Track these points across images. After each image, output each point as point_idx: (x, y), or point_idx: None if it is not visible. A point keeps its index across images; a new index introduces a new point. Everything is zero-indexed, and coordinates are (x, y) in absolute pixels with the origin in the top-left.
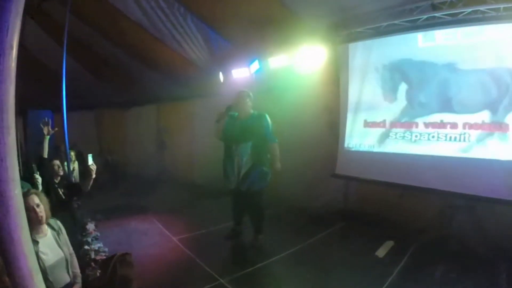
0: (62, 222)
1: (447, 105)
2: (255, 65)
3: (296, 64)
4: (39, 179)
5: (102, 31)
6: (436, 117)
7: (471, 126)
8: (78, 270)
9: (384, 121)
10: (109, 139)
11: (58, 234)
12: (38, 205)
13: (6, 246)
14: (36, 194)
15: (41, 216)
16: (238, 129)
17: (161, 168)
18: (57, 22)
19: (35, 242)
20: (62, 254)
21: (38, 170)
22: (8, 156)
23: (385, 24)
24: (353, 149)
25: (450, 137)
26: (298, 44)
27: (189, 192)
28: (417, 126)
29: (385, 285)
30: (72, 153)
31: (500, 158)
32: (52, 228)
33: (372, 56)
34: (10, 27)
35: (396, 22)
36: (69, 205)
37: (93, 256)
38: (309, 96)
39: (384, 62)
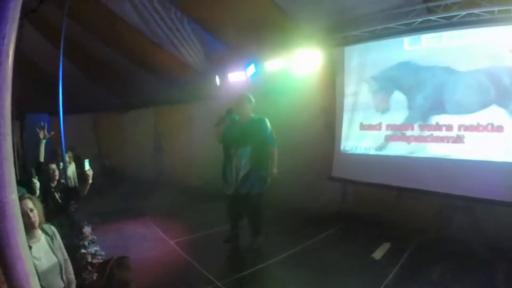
0: (59, 225)
1: (443, 107)
2: (251, 69)
3: (292, 67)
4: (37, 184)
5: (99, 35)
6: (432, 120)
7: (466, 128)
8: (72, 276)
9: (380, 123)
10: (107, 142)
11: (52, 239)
12: (31, 210)
13: (3, 250)
14: (30, 198)
15: (34, 221)
16: (237, 132)
17: (158, 171)
18: (55, 25)
19: (28, 247)
20: (56, 260)
21: (36, 174)
22: (5, 162)
23: (380, 27)
24: (349, 152)
25: (445, 139)
26: (294, 48)
27: (187, 195)
28: (412, 129)
29: (382, 287)
30: (69, 155)
31: (495, 159)
32: (46, 233)
33: (363, 67)
34: (7, 36)
35: (391, 25)
36: (66, 209)
37: (89, 259)
38: (306, 99)
39: (373, 74)
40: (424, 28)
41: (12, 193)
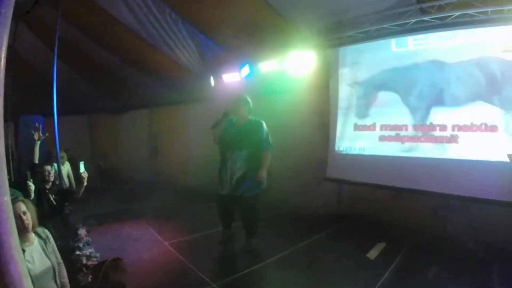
0: (53, 227)
1: (438, 101)
2: (246, 70)
3: (287, 68)
4: (32, 187)
5: (94, 36)
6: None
7: (460, 128)
8: (66, 280)
9: (374, 124)
10: (102, 144)
11: (45, 243)
12: (24, 213)
13: None
14: (24, 201)
15: (28, 224)
16: (234, 135)
17: (153, 172)
18: (49, 27)
19: (21, 251)
20: (49, 263)
21: (31, 177)
22: None
23: (374, 28)
24: (343, 152)
25: (440, 139)
26: (288, 49)
27: (182, 197)
28: (406, 129)
29: (377, 287)
30: (62, 155)
31: (490, 159)
32: (39, 236)
33: (357, 68)
34: None
35: (385, 26)
36: (61, 211)
37: (84, 261)
38: (300, 100)
39: (359, 80)
40: (418, 29)
41: (5, 195)
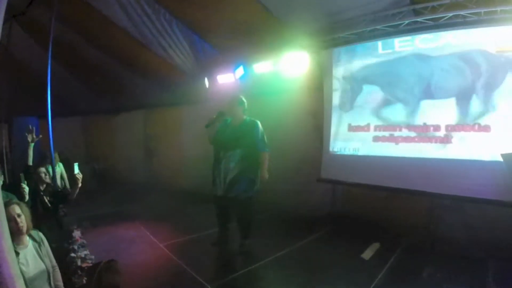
0: (48, 229)
1: (426, 93)
2: (240, 71)
3: (281, 69)
4: (26, 189)
5: (88, 37)
6: (419, 117)
7: (454, 127)
8: (61, 283)
9: (368, 124)
10: (96, 145)
11: (39, 246)
12: (19, 215)
13: None
14: (18, 204)
15: (22, 227)
16: (228, 135)
17: (148, 174)
18: (44, 28)
19: (16, 253)
20: (43, 266)
21: (25, 179)
22: None
23: (368, 29)
24: (338, 153)
25: (433, 139)
26: (282, 50)
27: (177, 199)
28: (400, 129)
29: (372, 286)
30: (56, 156)
31: (484, 158)
32: (34, 239)
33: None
34: None
35: (379, 27)
36: (55, 213)
37: (79, 263)
38: (294, 101)
39: (345, 73)
40: (411, 30)
41: None
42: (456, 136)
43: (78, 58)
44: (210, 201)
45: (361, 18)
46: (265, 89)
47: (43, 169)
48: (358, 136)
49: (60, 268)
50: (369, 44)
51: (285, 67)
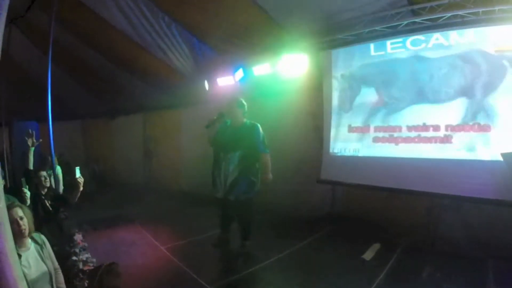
0: (49, 233)
1: (422, 96)
2: (240, 73)
3: (280, 71)
4: (28, 193)
5: (87, 40)
6: (417, 116)
7: (453, 128)
8: (63, 285)
9: (368, 125)
10: (96, 148)
11: (41, 248)
12: (21, 218)
13: None
14: (20, 207)
15: (24, 229)
16: (228, 137)
17: (148, 177)
18: (43, 31)
19: (18, 256)
20: (46, 269)
21: (26, 183)
22: None
23: (366, 30)
24: (338, 154)
25: (433, 139)
26: (281, 52)
27: (176, 200)
28: (400, 130)
29: (373, 287)
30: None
31: (483, 158)
32: (36, 242)
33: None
34: None
35: (377, 28)
36: (56, 217)
37: (81, 266)
38: (294, 103)
39: (344, 74)
40: (410, 31)
41: (0, 201)
42: (456, 136)
43: (77, 61)
44: (210, 203)
45: (359, 19)
46: (265, 91)
47: (43, 173)
48: (358, 137)
49: (62, 271)
50: (367, 45)
51: (284, 69)
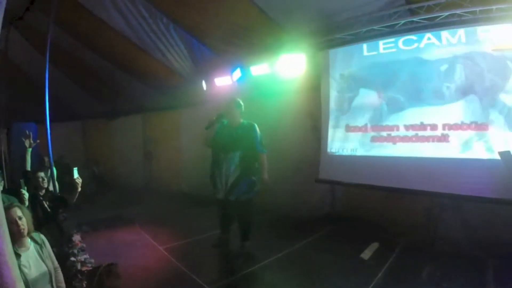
0: (48, 234)
1: (420, 98)
2: (238, 73)
3: (278, 71)
4: (26, 195)
5: (86, 41)
6: (415, 117)
7: (451, 127)
8: (63, 285)
9: (366, 125)
10: (96, 149)
11: (41, 248)
12: (20, 218)
13: None
14: (19, 207)
15: (23, 229)
16: (227, 137)
17: (147, 177)
18: (41, 32)
19: (17, 255)
20: (45, 268)
21: (25, 184)
22: None
23: (364, 29)
24: (336, 154)
25: (431, 138)
26: (279, 52)
27: (176, 201)
28: (398, 129)
29: (371, 286)
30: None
31: (481, 157)
32: (35, 242)
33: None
34: None
35: (375, 27)
36: (55, 217)
37: (79, 267)
38: (292, 102)
39: (342, 72)
40: (407, 30)
41: None
42: (453, 135)
43: (76, 62)
44: (210, 203)
45: (357, 19)
46: (263, 91)
47: (41, 174)
48: (356, 137)
49: None
50: (366, 44)
51: (282, 69)
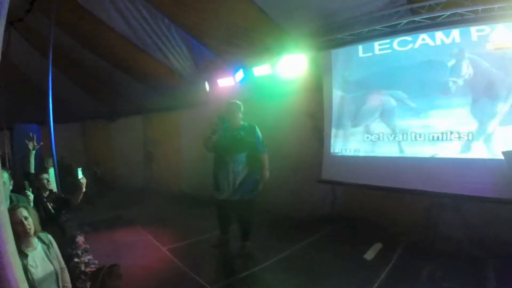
0: (51, 235)
1: (424, 97)
2: (240, 74)
3: (280, 72)
4: (31, 196)
5: (86, 43)
6: (419, 117)
7: (453, 126)
8: (69, 285)
9: (368, 125)
10: (96, 150)
11: (48, 248)
12: (26, 218)
13: None
14: (25, 207)
15: (29, 229)
16: (231, 139)
17: (147, 178)
18: (42, 34)
19: (24, 255)
20: (52, 268)
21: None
22: None
23: (366, 29)
24: (338, 154)
25: (433, 137)
26: (281, 52)
27: (177, 202)
28: (400, 129)
29: (372, 286)
30: (50, 160)
31: (483, 157)
32: (43, 242)
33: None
34: None
35: (376, 27)
36: (58, 219)
37: (83, 268)
38: (294, 103)
39: (344, 72)
40: (409, 30)
41: (1, 204)
42: (455, 134)
43: (77, 63)
44: (210, 204)
45: (359, 19)
46: (264, 91)
47: (46, 176)
48: (359, 137)
49: None
50: (367, 44)
51: (284, 70)
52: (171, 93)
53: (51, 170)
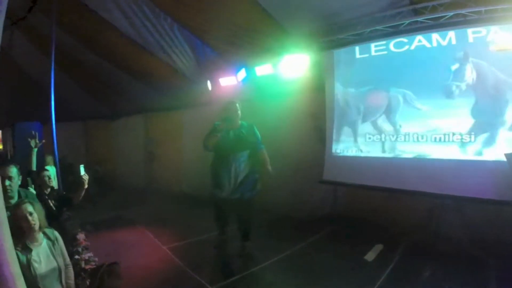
0: None
1: (428, 98)
2: (242, 74)
3: (282, 71)
4: (34, 193)
5: (89, 42)
6: (421, 118)
7: (456, 127)
8: (72, 281)
9: (370, 125)
10: (98, 150)
11: (53, 244)
12: (31, 214)
13: None
14: (30, 203)
15: (34, 224)
16: (232, 138)
17: (149, 178)
18: (44, 33)
19: (29, 250)
20: (56, 264)
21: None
22: None
23: (368, 30)
24: (340, 155)
25: (435, 138)
26: (283, 52)
27: (178, 202)
28: (402, 130)
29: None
30: (49, 159)
31: (486, 158)
32: (48, 238)
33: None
34: None
35: (379, 27)
36: (59, 216)
37: (83, 265)
38: (296, 103)
39: (345, 72)
40: (412, 30)
41: None
42: (457, 136)
43: (78, 63)
44: (211, 204)
45: (361, 19)
46: (266, 91)
47: (47, 173)
48: (361, 138)
49: None
50: (364, 46)
51: (286, 69)
52: (173, 93)
53: (52, 168)
